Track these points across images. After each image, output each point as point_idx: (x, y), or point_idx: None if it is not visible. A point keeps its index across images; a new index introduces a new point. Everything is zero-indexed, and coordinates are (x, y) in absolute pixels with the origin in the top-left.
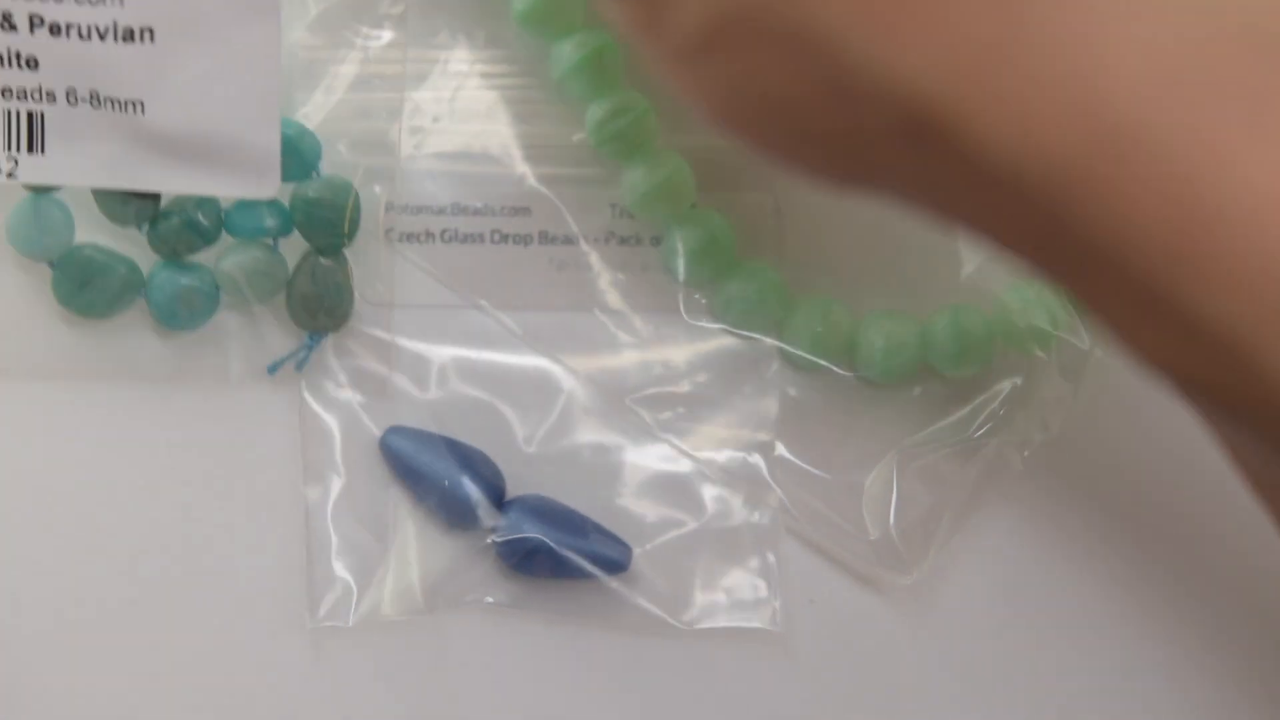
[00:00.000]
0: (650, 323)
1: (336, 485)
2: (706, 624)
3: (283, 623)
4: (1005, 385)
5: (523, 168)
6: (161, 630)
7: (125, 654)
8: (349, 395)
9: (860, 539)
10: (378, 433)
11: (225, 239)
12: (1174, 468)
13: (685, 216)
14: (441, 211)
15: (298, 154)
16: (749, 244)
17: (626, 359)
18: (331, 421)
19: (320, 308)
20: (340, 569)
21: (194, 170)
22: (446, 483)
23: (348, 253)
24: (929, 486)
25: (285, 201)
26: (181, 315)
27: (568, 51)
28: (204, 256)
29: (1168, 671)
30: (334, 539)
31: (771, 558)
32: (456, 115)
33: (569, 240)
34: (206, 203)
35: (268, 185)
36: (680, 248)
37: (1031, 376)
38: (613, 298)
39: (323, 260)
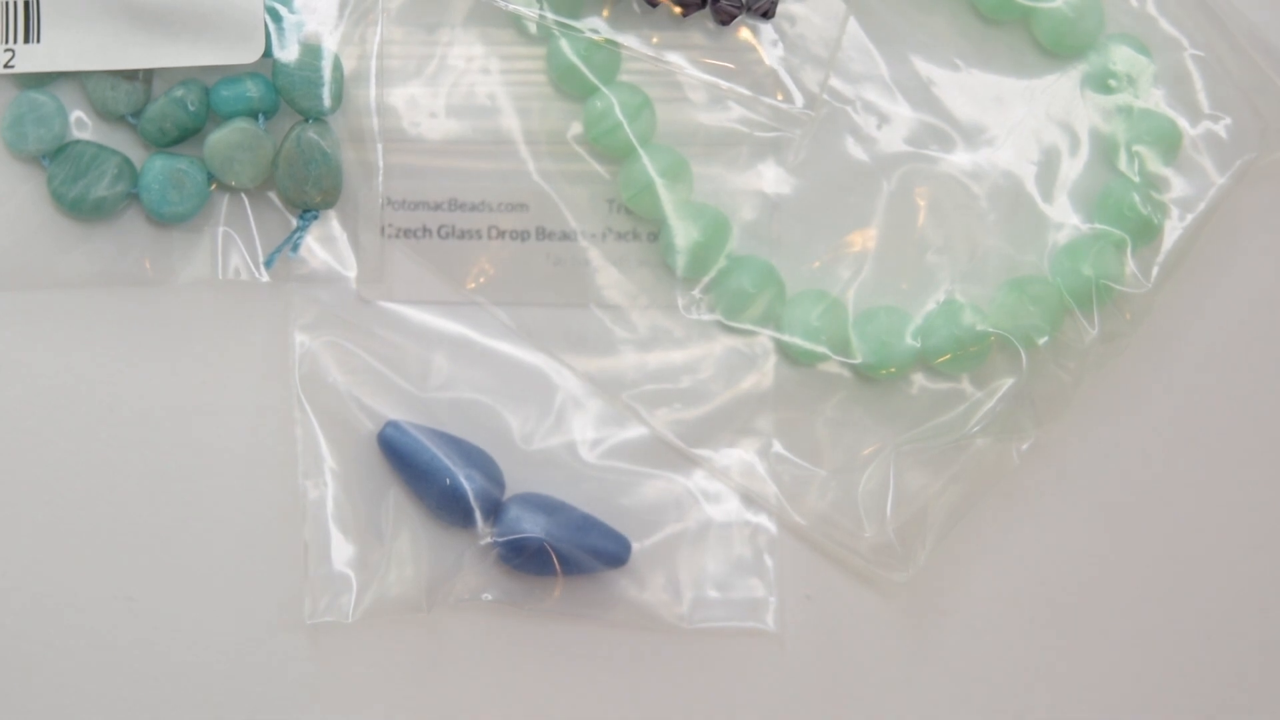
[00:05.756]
0: (647, 318)
1: (334, 480)
2: (703, 621)
3: (280, 617)
4: (1002, 381)
5: (520, 163)
6: (158, 615)
7: (117, 636)
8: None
9: (857, 535)
10: (375, 428)
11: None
12: (1170, 463)
13: (683, 211)
14: (438, 207)
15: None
16: (746, 238)
17: (624, 355)
18: (329, 416)
19: (308, 176)
20: (339, 564)
21: (183, 42)
22: (447, 480)
23: (333, 123)
24: (925, 483)
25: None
26: (172, 200)
27: (565, 47)
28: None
29: (1164, 666)
30: (333, 534)
31: (768, 554)
32: (453, 110)
33: (566, 236)
34: (192, 84)
35: (253, 48)
36: (678, 243)
37: (1028, 372)
38: (610, 294)
39: (308, 130)
